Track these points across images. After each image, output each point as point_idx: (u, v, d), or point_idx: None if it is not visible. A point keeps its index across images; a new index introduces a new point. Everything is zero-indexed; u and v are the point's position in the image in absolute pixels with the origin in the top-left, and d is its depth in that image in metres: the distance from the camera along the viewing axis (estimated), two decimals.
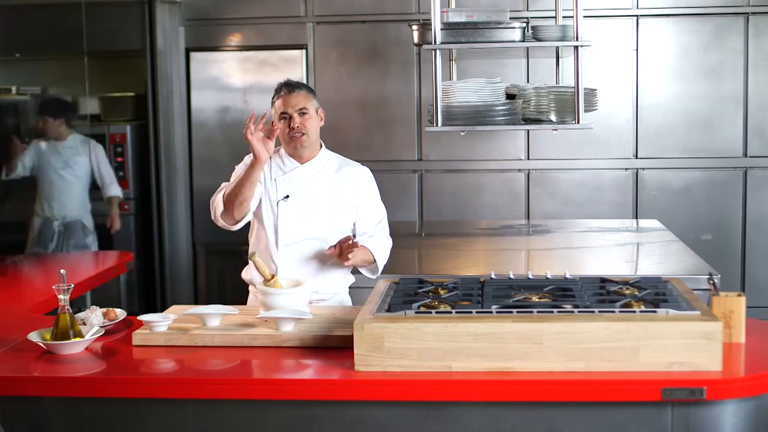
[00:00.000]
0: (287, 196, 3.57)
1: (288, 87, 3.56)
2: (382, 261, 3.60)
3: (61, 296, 2.97)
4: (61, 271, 3.01)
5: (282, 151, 3.66)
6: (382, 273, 3.62)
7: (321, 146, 3.69)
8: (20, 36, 6.64)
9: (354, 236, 3.61)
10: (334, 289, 3.62)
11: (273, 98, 3.59)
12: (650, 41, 6.32)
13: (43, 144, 6.25)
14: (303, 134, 3.55)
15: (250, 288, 3.75)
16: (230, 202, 3.44)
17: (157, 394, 2.68)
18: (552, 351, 2.60)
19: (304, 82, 3.65)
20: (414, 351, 2.63)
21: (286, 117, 3.54)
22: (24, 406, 2.73)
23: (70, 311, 2.99)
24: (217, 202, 3.51)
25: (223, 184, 3.60)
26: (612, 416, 2.59)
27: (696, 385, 2.53)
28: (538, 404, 2.60)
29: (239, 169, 3.58)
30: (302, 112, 3.54)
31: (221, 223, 3.53)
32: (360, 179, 3.69)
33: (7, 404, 2.71)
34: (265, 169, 3.59)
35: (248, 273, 3.76)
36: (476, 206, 6.45)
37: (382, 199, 3.76)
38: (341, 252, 3.43)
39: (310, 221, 3.56)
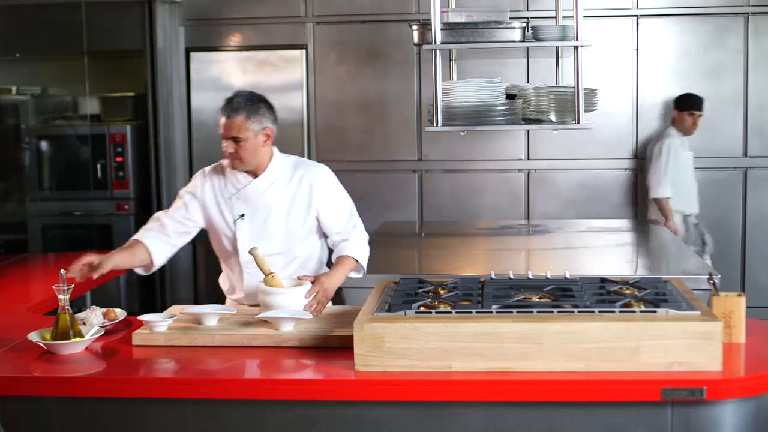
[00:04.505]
0: (243, 215, 3.45)
1: (227, 110, 3.35)
2: (365, 261, 3.50)
3: (61, 296, 2.97)
4: (61, 271, 3.01)
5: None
6: (381, 273, 3.61)
7: (272, 156, 3.47)
8: (20, 36, 6.65)
9: (326, 237, 3.54)
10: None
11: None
12: (650, 41, 6.32)
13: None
14: (237, 160, 3.38)
15: (228, 298, 3.65)
16: None
17: (157, 394, 2.68)
18: (552, 351, 2.60)
19: (259, 94, 3.48)
20: (414, 351, 2.63)
21: (223, 139, 3.38)
22: (24, 406, 2.73)
23: (70, 311, 2.99)
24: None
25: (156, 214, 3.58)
26: (612, 416, 2.59)
27: (696, 385, 2.53)
28: (538, 404, 2.60)
29: (185, 197, 3.54)
30: (236, 140, 3.34)
31: None
32: (316, 180, 3.50)
33: (7, 404, 2.71)
34: (219, 188, 3.49)
35: (225, 281, 3.66)
36: (476, 206, 6.45)
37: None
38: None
39: (269, 237, 3.43)
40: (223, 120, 3.35)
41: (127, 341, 3.03)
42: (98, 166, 6.60)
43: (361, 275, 3.56)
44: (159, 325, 3.02)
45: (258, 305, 3.26)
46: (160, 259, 3.48)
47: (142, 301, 6.68)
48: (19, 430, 2.72)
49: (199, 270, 6.72)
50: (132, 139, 6.63)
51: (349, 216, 3.55)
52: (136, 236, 3.50)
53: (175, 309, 3.31)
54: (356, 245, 3.49)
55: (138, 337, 3.00)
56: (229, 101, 3.37)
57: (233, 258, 3.52)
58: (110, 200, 6.61)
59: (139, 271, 3.47)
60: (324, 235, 3.57)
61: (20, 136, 6.77)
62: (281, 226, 3.45)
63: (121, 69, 7.10)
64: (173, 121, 6.57)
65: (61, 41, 6.62)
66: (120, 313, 3.25)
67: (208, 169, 3.58)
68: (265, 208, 3.44)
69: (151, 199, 6.58)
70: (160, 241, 3.49)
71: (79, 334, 2.96)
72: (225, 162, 3.47)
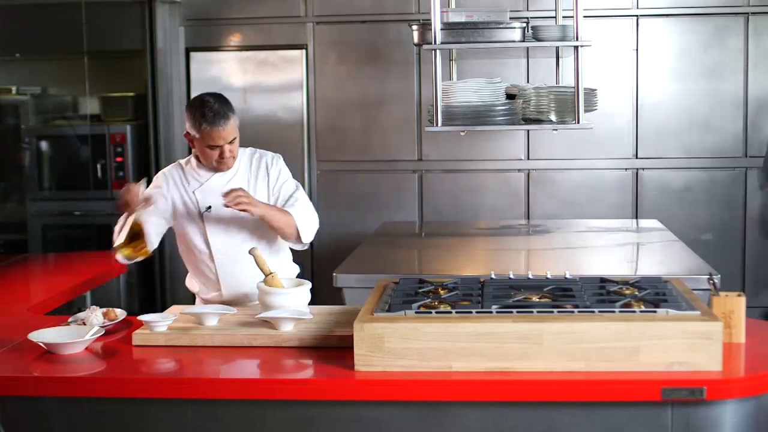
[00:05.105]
0: (209, 207, 3.52)
1: (217, 118, 3.40)
2: (303, 223, 3.50)
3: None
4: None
5: (192, 162, 3.61)
6: (381, 273, 3.61)
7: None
8: (20, 36, 6.64)
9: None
10: None
11: (195, 120, 3.42)
12: (650, 41, 6.32)
13: None
14: (232, 159, 3.50)
15: (200, 298, 3.68)
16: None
17: (157, 394, 2.68)
18: (552, 351, 2.60)
19: (213, 92, 3.58)
20: (414, 351, 2.63)
21: (214, 147, 3.44)
22: (24, 406, 2.73)
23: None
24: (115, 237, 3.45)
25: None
26: (612, 416, 2.59)
27: (696, 385, 2.53)
28: (538, 404, 2.60)
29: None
30: (232, 141, 3.46)
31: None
32: (269, 164, 3.61)
33: (7, 404, 2.71)
34: (182, 184, 3.57)
35: (194, 282, 3.70)
36: (476, 206, 6.45)
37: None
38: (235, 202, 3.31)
39: (238, 226, 3.52)
40: (215, 129, 3.40)
41: (127, 341, 3.03)
42: (98, 166, 6.60)
43: (301, 244, 3.56)
44: (159, 325, 3.02)
45: (237, 300, 3.38)
46: (156, 239, 3.52)
47: (142, 301, 6.68)
48: (19, 430, 2.72)
49: None
50: (132, 139, 6.63)
51: (292, 192, 3.58)
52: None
53: (175, 309, 3.31)
54: (296, 209, 3.50)
55: (138, 337, 3.00)
56: (211, 111, 3.40)
57: (204, 254, 3.55)
58: (110, 200, 6.60)
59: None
60: None
61: (20, 136, 6.77)
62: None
63: (121, 69, 7.10)
64: (173, 121, 6.57)
65: (61, 41, 6.62)
66: (120, 313, 3.25)
67: (166, 169, 3.69)
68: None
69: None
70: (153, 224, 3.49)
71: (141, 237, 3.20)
72: (193, 162, 3.58)
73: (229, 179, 3.55)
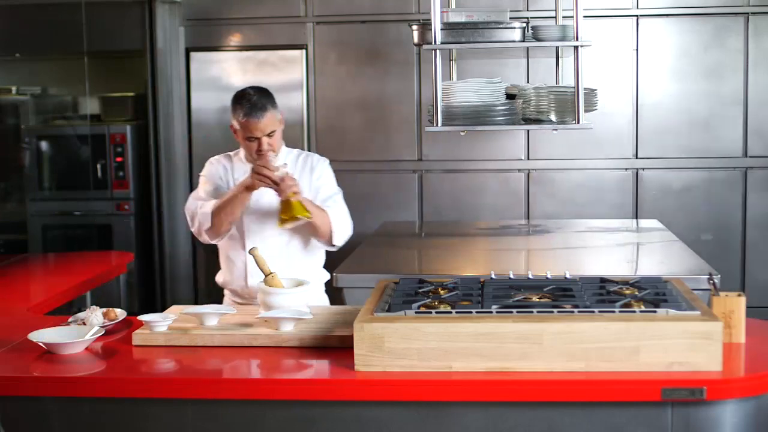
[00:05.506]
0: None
1: (254, 110, 3.46)
2: (337, 224, 3.56)
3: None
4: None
5: (241, 154, 3.67)
6: (381, 273, 3.61)
7: (282, 144, 3.68)
8: (20, 36, 6.64)
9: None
10: None
11: (236, 112, 3.49)
12: (650, 41, 6.32)
13: None
14: (272, 152, 3.53)
15: (225, 292, 3.73)
16: (219, 221, 3.49)
17: (157, 394, 2.68)
18: (552, 351, 2.60)
19: (257, 86, 3.64)
20: (414, 351, 2.63)
21: (252, 139, 3.50)
22: (24, 406, 2.73)
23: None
24: (202, 218, 3.52)
25: (193, 199, 3.63)
26: (612, 416, 2.59)
27: (696, 385, 2.53)
28: (538, 404, 2.60)
29: (208, 185, 3.61)
30: (270, 134, 3.51)
31: (204, 238, 3.58)
32: (317, 163, 3.71)
33: (7, 404, 2.71)
34: (230, 172, 3.64)
35: (222, 276, 3.75)
36: (476, 206, 6.45)
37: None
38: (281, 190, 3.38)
39: (274, 220, 3.54)
40: (250, 122, 3.44)
41: (127, 341, 3.03)
42: (98, 166, 6.60)
43: (333, 246, 3.62)
44: (159, 325, 3.02)
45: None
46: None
47: (142, 301, 6.68)
48: (19, 430, 2.72)
49: (199, 270, 6.72)
50: (132, 139, 6.63)
51: (332, 194, 3.66)
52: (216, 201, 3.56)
53: (175, 309, 3.31)
54: (332, 210, 3.57)
55: (138, 337, 3.00)
56: (249, 102, 3.46)
57: (237, 242, 3.60)
58: (110, 200, 6.61)
59: (230, 226, 3.57)
60: None
61: (20, 136, 6.77)
62: None
63: (121, 69, 7.10)
64: (173, 121, 6.57)
65: (61, 41, 6.62)
66: (120, 313, 3.25)
67: (214, 158, 3.74)
68: (272, 191, 3.51)
69: (151, 199, 6.58)
70: None
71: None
72: (241, 154, 3.64)
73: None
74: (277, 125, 3.53)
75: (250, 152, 3.54)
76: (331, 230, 3.53)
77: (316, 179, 3.67)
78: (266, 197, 3.53)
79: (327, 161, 3.77)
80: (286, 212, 3.39)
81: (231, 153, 3.73)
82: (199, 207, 3.58)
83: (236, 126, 3.52)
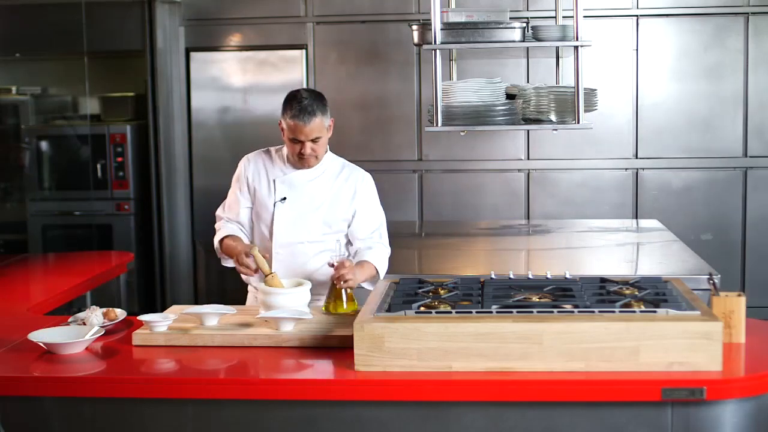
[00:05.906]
0: (284, 198, 3.55)
1: (302, 113, 3.42)
2: (383, 272, 3.58)
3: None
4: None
5: (283, 151, 3.63)
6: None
7: (326, 150, 3.61)
8: (20, 36, 6.64)
9: (348, 242, 3.60)
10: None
11: (285, 111, 3.47)
12: (650, 41, 6.32)
13: None
14: (314, 158, 3.51)
15: (249, 288, 3.75)
16: (224, 255, 3.59)
17: (157, 394, 2.68)
18: (552, 351, 2.60)
19: (312, 89, 3.64)
20: (414, 351, 2.63)
21: (297, 141, 3.46)
22: (24, 406, 2.73)
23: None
24: (216, 238, 3.61)
25: (220, 208, 3.68)
26: (612, 416, 2.59)
27: (696, 385, 2.53)
28: (537, 404, 2.60)
29: (236, 190, 3.63)
30: (315, 140, 3.46)
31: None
32: (360, 183, 3.63)
33: (7, 404, 2.71)
34: (267, 169, 3.60)
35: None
36: (476, 206, 6.45)
37: (382, 200, 3.74)
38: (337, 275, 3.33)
39: (305, 225, 3.54)
40: (297, 125, 3.42)
41: (127, 341, 3.03)
42: (98, 166, 6.60)
43: (373, 288, 3.59)
44: (159, 325, 3.02)
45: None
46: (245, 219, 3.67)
47: (142, 301, 6.68)
48: (19, 430, 2.72)
49: (199, 270, 6.72)
50: (132, 139, 6.63)
51: (378, 226, 3.65)
52: (227, 232, 3.60)
53: (175, 309, 3.31)
54: (378, 255, 3.57)
55: (138, 337, 3.00)
56: (299, 104, 3.44)
57: (265, 239, 3.60)
58: (110, 200, 6.61)
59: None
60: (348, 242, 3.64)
61: (20, 136, 6.77)
62: (320, 216, 3.54)
63: (121, 69, 7.10)
64: (173, 121, 6.57)
65: (61, 41, 6.62)
66: (120, 313, 3.25)
67: (252, 154, 3.69)
68: (308, 197, 3.53)
69: (151, 199, 6.58)
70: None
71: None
72: (284, 151, 3.60)
73: (311, 179, 3.56)
74: (324, 132, 3.47)
75: (293, 153, 3.50)
76: (377, 278, 3.54)
77: (360, 201, 3.59)
78: (297, 204, 3.54)
79: (370, 179, 3.68)
80: (333, 302, 3.29)
81: (272, 148, 3.67)
82: (216, 226, 3.65)
83: (283, 125, 3.49)
